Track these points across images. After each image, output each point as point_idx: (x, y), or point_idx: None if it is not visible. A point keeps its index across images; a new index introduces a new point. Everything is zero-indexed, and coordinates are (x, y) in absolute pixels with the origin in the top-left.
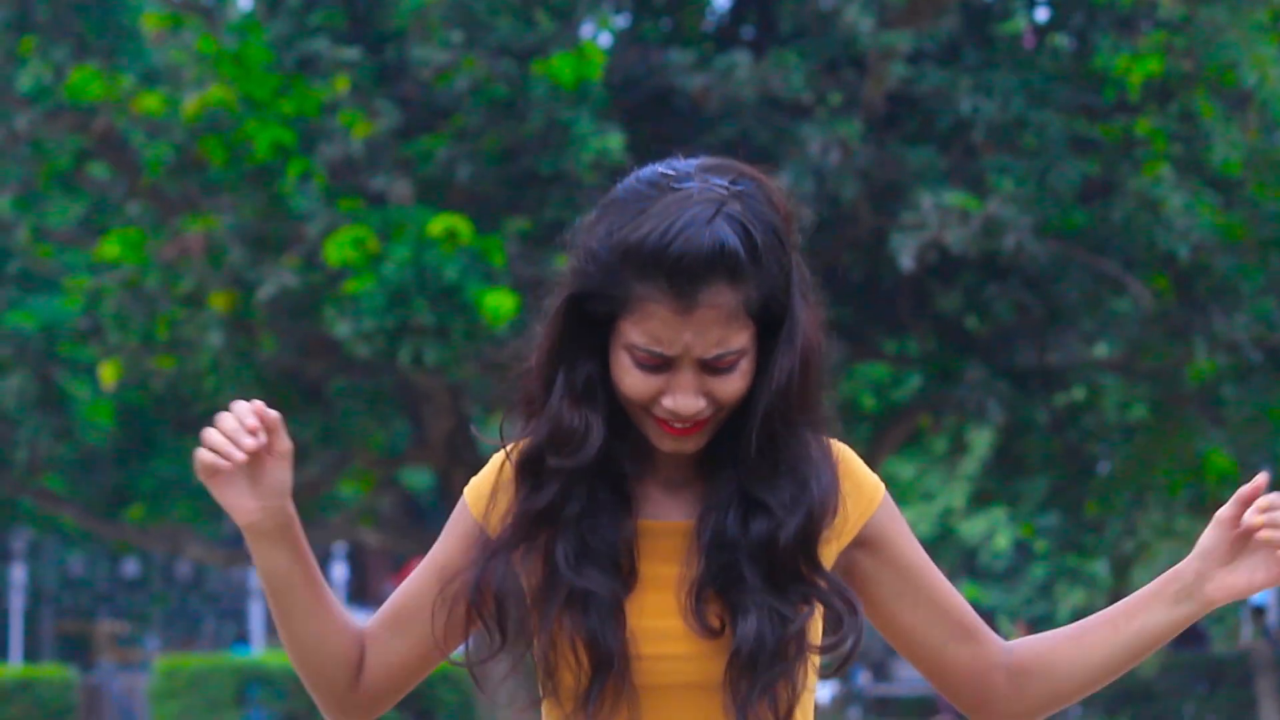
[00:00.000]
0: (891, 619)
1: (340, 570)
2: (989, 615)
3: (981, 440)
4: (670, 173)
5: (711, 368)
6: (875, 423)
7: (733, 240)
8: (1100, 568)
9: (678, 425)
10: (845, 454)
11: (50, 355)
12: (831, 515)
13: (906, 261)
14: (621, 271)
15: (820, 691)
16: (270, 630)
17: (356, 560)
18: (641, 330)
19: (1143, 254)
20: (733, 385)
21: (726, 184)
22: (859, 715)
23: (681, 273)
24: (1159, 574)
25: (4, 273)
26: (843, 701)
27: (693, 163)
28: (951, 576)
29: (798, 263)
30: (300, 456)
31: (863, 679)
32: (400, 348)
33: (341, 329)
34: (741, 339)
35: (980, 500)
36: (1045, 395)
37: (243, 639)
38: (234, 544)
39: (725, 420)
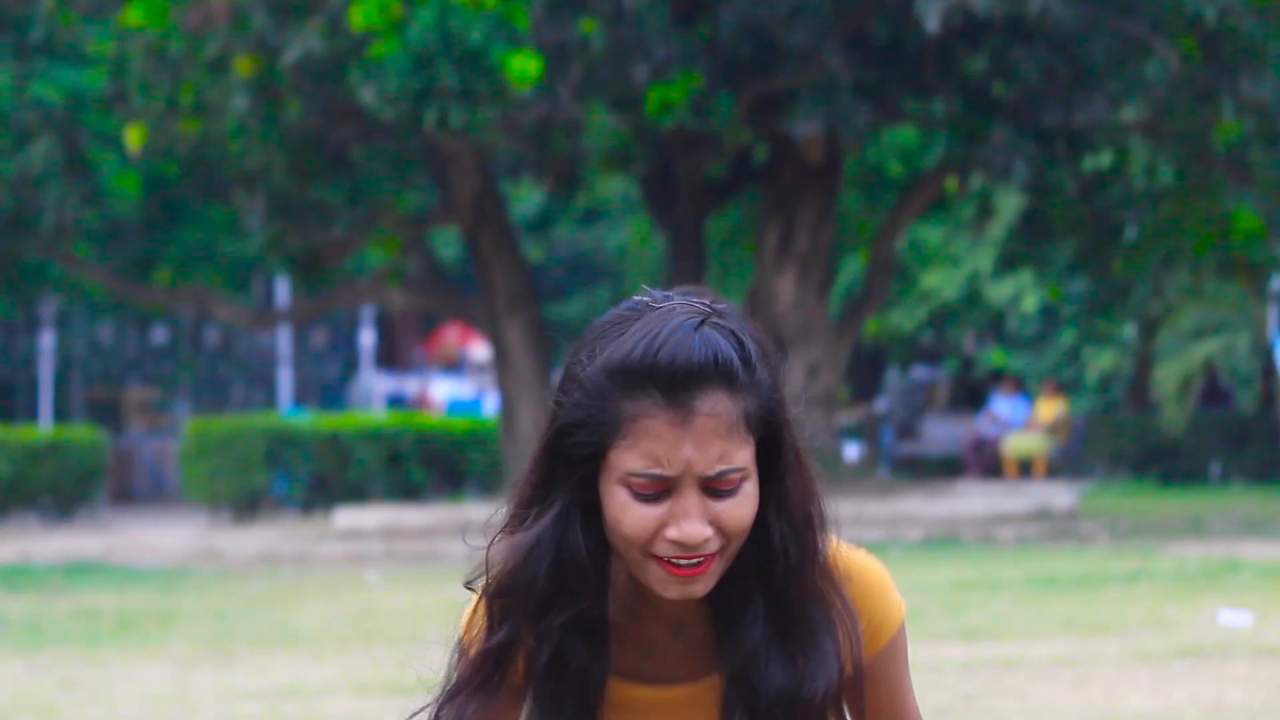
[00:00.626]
0: None
1: (369, 336)
2: (1019, 380)
3: (1009, 205)
4: (648, 298)
5: (715, 490)
6: (902, 189)
7: (725, 346)
8: (1128, 331)
9: (683, 564)
10: (870, 574)
11: (75, 122)
12: (850, 666)
13: (932, 24)
14: (611, 393)
15: (849, 450)
16: (298, 394)
17: (384, 326)
18: (638, 453)
19: (1170, 16)
20: (739, 511)
21: (707, 303)
22: (886, 473)
23: (674, 380)
24: (1184, 335)
25: (28, 42)
26: (870, 461)
27: (671, 291)
28: (980, 343)
29: (784, 386)
30: (326, 219)
31: (890, 438)
32: (425, 111)
33: (366, 93)
34: (743, 455)
35: (1007, 264)
36: (1072, 158)
37: (299, 404)
38: (262, 307)
39: (730, 559)
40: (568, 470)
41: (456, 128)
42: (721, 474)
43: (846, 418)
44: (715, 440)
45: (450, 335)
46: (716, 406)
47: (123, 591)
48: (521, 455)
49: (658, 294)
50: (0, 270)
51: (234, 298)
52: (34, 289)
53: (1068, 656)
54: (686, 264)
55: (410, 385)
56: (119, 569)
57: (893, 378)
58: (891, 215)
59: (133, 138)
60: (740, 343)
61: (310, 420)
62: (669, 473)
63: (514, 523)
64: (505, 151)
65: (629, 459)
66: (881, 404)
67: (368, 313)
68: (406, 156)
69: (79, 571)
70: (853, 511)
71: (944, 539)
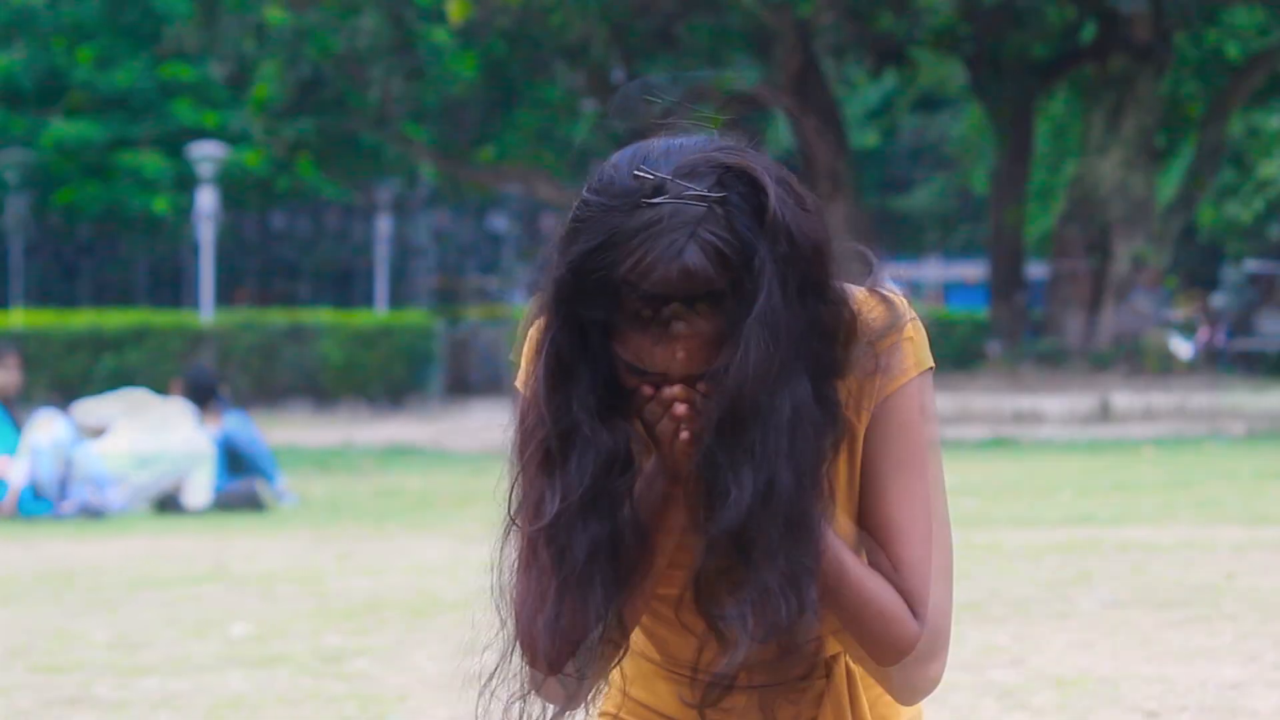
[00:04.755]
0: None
1: None
2: None
3: None
4: (646, 176)
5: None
6: (1238, 72)
7: (706, 271)
8: None
9: None
10: (908, 337)
11: None
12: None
13: None
14: (597, 299)
15: (1184, 348)
16: None
17: None
18: (625, 348)
19: None
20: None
21: (705, 191)
22: (1220, 369)
23: (653, 310)
24: None
25: None
26: (1206, 356)
27: (671, 160)
28: None
29: (775, 279)
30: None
31: (1225, 334)
32: None
33: None
34: (729, 352)
35: None
36: None
37: None
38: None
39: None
40: (577, 344)
41: (778, 1)
42: (708, 372)
43: (1183, 313)
44: (699, 351)
45: None
46: (698, 325)
47: (430, 474)
48: None
49: (657, 162)
50: (332, 151)
51: (571, 183)
52: (370, 173)
53: None
54: (1013, 149)
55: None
56: (433, 453)
57: (1229, 271)
58: (1222, 97)
59: (455, 9)
60: (724, 259)
61: None
62: (654, 370)
63: (551, 436)
64: (828, 28)
65: (618, 347)
66: (1218, 299)
67: None
68: (729, 31)
69: (393, 455)
70: (1174, 403)
71: (1267, 432)
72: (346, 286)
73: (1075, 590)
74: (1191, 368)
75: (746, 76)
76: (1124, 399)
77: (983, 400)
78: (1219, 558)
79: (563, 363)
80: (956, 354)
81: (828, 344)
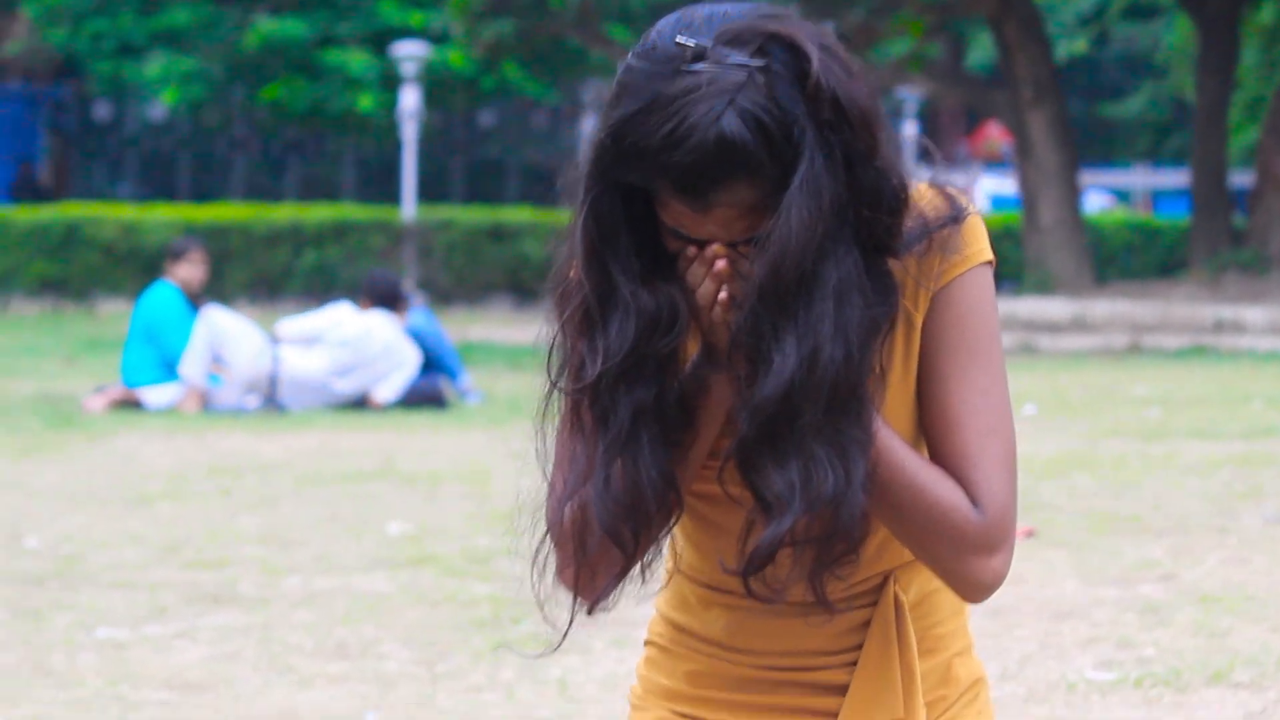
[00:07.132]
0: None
1: (911, 129)
2: None
3: None
4: (687, 43)
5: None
6: None
7: (745, 140)
8: None
9: None
10: (968, 227)
11: None
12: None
13: None
14: (636, 165)
15: None
16: None
17: (928, 120)
18: (666, 214)
19: None
20: None
21: (746, 59)
22: None
23: (690, 181)
24: None
25: None
26: None
27: (713, 26)
28: None
29: (817, 147)
30: (848, 2)
31: None
32: None
33: None
34: (772, 220)
35: None
36: None
37: None
38: None
39: None
40: (620, 210)
41: None
42: (751, 239)
43: None
44: (738, 221)
45: (993, 131)
46: (736, 196)
47: None
48: (1044, 248)
49: (698, 31)
50: (534, 51)
51: None
52: (575, 74)
53: None
54: (1219, 58)
55: (954, 179)
56: None
57: None
58: None
59: None
60: (764, 128)
61: None
62: (696, 237)
63: (590, 300)
64: None
65: (661, 212)
66: None
67: (910, 106)
68: None
69: None
70: None
71: None
72: (551, 186)
73: (1241, 505)
74: None
75: None
76: None
77: (1183, 309)
78: None
79: (602, 227)
80: (1161, 262)
81: (876, 213)
